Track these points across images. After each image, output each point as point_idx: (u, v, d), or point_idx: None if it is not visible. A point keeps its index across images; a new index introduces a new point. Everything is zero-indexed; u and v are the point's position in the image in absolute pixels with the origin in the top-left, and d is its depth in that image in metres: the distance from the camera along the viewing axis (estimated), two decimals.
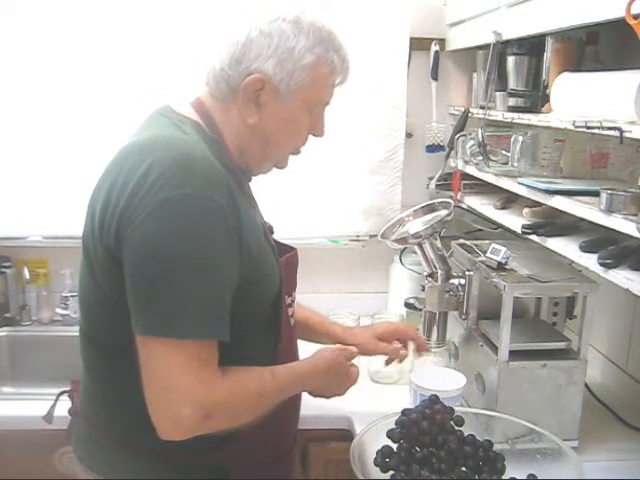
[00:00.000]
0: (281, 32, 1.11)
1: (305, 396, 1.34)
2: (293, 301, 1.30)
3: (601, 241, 1.29)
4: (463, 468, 1.15)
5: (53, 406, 1.40)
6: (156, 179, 1.01)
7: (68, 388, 1.32)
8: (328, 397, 1.33)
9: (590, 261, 1.25)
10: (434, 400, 1.25)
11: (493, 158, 1.72)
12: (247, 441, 1.17)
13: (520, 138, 1.62)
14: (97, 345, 1.18)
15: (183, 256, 1.01)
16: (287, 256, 1.27)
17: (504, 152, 1.69)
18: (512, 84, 1.65)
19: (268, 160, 1.24)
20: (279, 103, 1.15)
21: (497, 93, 1.75)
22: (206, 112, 1.17)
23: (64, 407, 1.33)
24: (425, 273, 1.54)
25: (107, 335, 1.15)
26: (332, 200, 2.13)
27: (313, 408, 1.41)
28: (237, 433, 1.15)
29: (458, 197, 1.95)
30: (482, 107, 1.80)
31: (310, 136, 1.25)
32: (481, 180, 1.82)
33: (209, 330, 1.03)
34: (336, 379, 1.30)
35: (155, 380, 1.02)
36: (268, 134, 1.18)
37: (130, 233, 1.02)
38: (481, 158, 1.75)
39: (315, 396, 1.31)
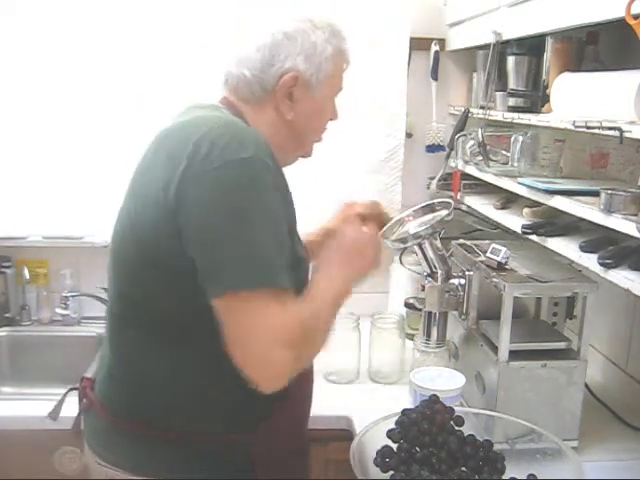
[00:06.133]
0: (302, 31, 1.20)
1: None
2: None
3: (601, 241, 1.29)
4: (463, 468, 1.15)
5: (60, 403, 1.39)
6: (212, 148, 1.05)
7: (76, 385, 1.31)
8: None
9: (590, 261, 1.25)
10: (434, 400, 1.25)
11: (493, 158, 1.72)
12: (275, 427, 1.21)
13: (520, 138, 1.62)
14: (134, 325, 1.18)
15: (250, 212, 1.06)
16: None
17: (504, 152, 1.69)
18: (512, 84, 1.65)
19: (298, 151, 1.33)
20: (310, 95, 1.24)
21: (497, 93, 1.75)
22: (237, 109, 1.23)
23: (69, 406, 1.31)
24: (425, 273, 1.54)
25: (154, 311, 1.15)
26: (332, 200, 2.12)
27: (313, 408, 1.40)
28: (269, 415, 1.19)
29: (458, 197, 1.95)
30: (482, 107, 1.80)
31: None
32: (481, 180, 1.82)
33: (281, 277, 1.06)
34: (362, 257, 1.25)
35: (244, 335, 1.04)
36: (302, 126, 1.26)
37: (190, 198, 1.05)
38: (481, 158, 1.75)
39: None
